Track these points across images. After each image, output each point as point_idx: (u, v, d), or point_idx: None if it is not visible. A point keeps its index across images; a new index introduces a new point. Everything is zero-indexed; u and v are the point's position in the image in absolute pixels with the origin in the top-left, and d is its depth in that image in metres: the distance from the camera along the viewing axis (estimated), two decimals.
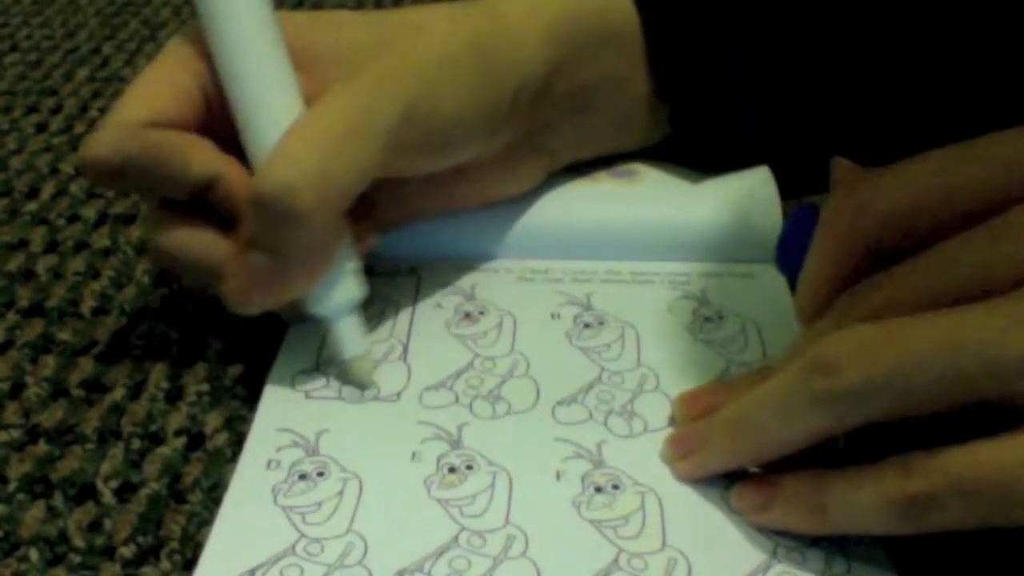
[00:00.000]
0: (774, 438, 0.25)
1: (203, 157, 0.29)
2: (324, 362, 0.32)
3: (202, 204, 0.30)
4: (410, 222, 0.36)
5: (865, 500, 0.23)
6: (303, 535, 0.26)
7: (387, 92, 0.28)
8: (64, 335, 0.35)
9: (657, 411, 0.30)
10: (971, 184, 0.23)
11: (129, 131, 0.28)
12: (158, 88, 0.29)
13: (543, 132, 0.35)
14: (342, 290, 0.30)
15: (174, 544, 0.27)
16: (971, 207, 0.22)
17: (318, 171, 0.27)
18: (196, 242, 0.30)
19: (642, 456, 0.28)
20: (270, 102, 0.29)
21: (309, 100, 0.29)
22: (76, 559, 0.27)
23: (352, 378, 0.31)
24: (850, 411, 0.23)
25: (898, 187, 0.24)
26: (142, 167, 0.28)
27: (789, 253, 0.35)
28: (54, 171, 0.45)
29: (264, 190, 0.27)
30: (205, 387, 0.32)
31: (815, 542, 0.26)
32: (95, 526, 0.28)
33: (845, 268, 0.25)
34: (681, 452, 0.28)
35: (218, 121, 0.30)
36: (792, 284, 0.35)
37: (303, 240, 0.28)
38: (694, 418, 0.29)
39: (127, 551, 0.27)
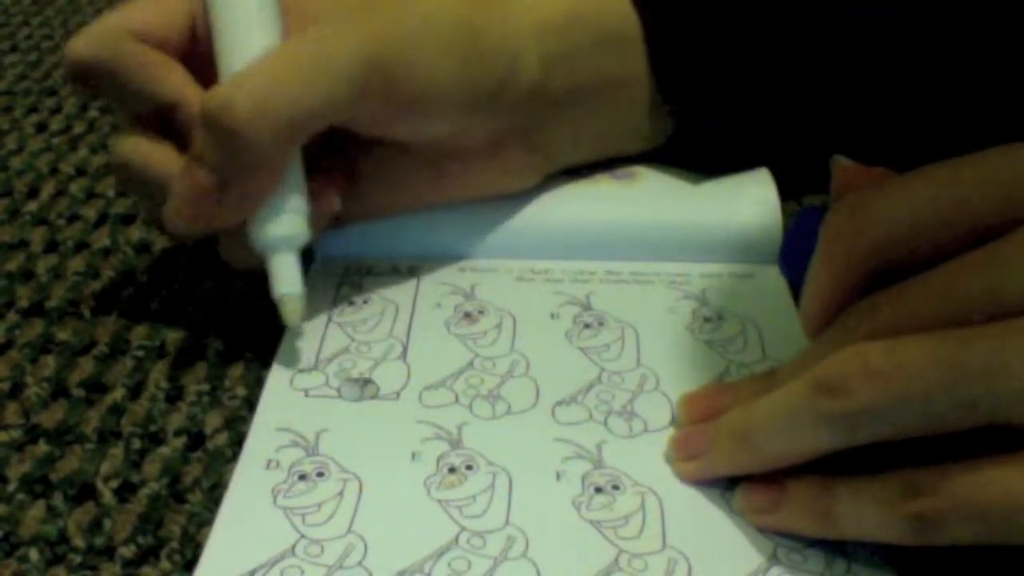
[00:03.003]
0: (779, 452, 0.25)
1: (171, 80, 0.32)
2: (324, 362, 0.32)
3: (172, 128, 0.32)
4: (403, 211, 0.36)
5: (872, 512, 0.23)
6: (303, 536, 0.26)
7: (352, 37, 0.30)
8: (64, 335, 0.35)
9: (657, 411, 0.30)
10: (970, 205, 0.22)
11: (110, 37, 0.31)
12: (150, 3, 0.32)
13: (538, 130, 0.35)
14: (282, 225, 0.31)
15: (174, 544, 0.27)
16: (971, 227, 0.22)
17: (259, 95, 0.28)
18: (151, 153, 0.32)
19: (642, 456, 0.28)
20: (247, 38, 0.31)
21: None
22: (76, 559, 0.27)
23: (281, 317, 0.31)
24: (856, 431, 0.23)
25: (895, 210, 0.23)
26: (112, 74, 0.31)
27: (792, 256, 0.35)
28: (54, 171, 0.45)
29: (206, 106, 0.29)
30: (205, 387, 0.32)
31: (815, 543, 0.26)
32: (95, 526, 0.28)
33: (847, 285, 0.25)
34: (684, 454, 0.28)
35: (201, 49, 0.32)
36: (794, 286, 0.35)
37: (242, 158, 0.29)
38: (696, 420, 0.29)
39: (127, 551, 0.27)
